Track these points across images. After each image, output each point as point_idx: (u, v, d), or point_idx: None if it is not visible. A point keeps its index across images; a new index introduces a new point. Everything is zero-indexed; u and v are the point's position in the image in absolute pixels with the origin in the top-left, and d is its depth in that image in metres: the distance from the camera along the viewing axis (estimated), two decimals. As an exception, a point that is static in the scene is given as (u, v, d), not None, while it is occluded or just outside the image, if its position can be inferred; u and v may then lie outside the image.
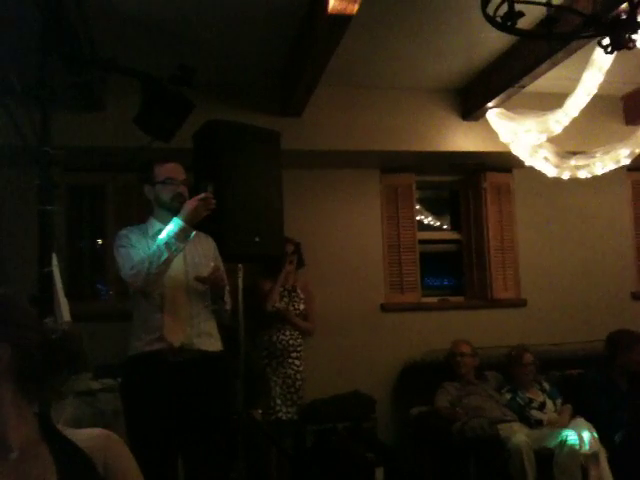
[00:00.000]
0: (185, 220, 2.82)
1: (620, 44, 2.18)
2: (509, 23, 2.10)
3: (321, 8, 3.27)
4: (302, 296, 4.72)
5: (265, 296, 4.52)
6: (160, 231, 2.91)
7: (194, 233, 2.90)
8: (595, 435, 4.14)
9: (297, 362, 4.50)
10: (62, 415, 3.14)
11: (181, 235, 2.82)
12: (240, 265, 3.36)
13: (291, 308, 4.63)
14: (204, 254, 3.12)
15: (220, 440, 2.97)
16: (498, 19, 2.12)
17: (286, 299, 4.64)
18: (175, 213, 2.91)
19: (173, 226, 2.82)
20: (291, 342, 4.52)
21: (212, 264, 3.05)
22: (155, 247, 2.82)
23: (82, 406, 3.67)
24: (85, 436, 1.35)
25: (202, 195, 2.85)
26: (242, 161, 3.20)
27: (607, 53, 2.20)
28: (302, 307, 4.69)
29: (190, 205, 2.85)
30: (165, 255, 2.79)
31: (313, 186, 5.26)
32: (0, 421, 1.24)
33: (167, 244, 2.79)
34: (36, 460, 1.26)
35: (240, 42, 4.06)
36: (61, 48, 3.17)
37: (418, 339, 5.22)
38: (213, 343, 3.04)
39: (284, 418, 4.37)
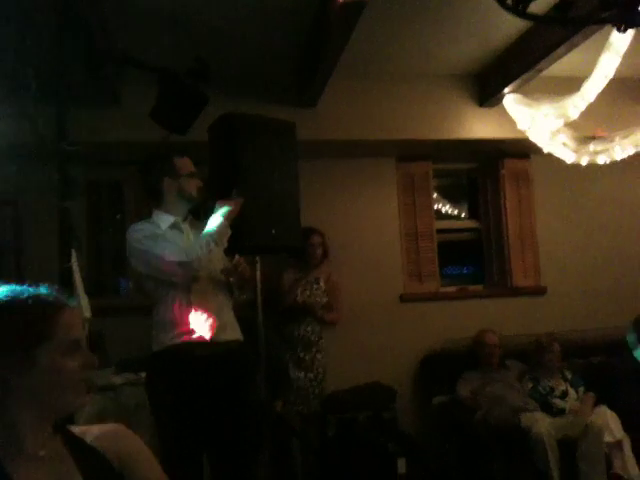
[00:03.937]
0: (227, 219, 2.90)
1: (634, 21, 2.11)
2: (520, 6, 2.05)
3: (334, -3, 3.25)
4: (324, 288, 4.66)
5: (285, 290, 4.49)
6: (175, 224, 2.97)
7: None
8: (619, 423, 4.11)
9: (318, 356, 4.49)
10: (85, 411, 3.16)
11: (225, 231, 2.88)
12: (257, 257, 3.35)
13: (313, 301, 4.57)
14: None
15: (246, 433, 2.98)
16: (509, 2, 2.08)
17: (307, 292, 4.59)
18: (193, 206, 3.02)
19: (219, 221, 2.88)
20: (312, 338, 4.48)
21: (236, 256, 3.07)
22: (203, 239, 2.85)
23: (105, 401, 3.69)
24: (97, 433, 1.38)
25: (240, 199, 2.95)
26: (257, 153, 3.17)
27: (620, 32, 2.13)
28: (324, 300, 4.63)
29: (235, 206, 2.93)
30: (212, 246, 2.83)
31: (329, 176, 5.24)
32: (16, 420, 1.26)
33: (218, 235, 2.85)
34: (60, 462, 1.29)
35: (254, 33, 4.05)
36: (77, 43, 3.19)
37: (438, 329, 5.21)
38: (235, 333, 3.06)
39: (305, 411, 4.36)
